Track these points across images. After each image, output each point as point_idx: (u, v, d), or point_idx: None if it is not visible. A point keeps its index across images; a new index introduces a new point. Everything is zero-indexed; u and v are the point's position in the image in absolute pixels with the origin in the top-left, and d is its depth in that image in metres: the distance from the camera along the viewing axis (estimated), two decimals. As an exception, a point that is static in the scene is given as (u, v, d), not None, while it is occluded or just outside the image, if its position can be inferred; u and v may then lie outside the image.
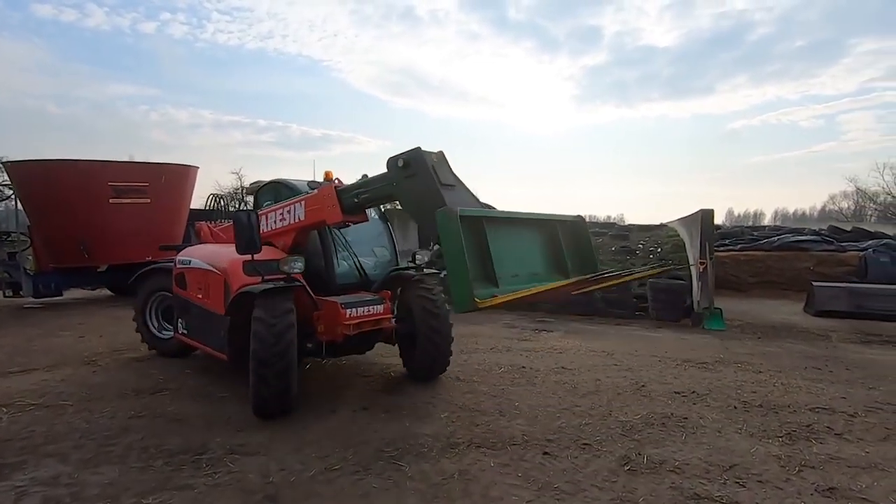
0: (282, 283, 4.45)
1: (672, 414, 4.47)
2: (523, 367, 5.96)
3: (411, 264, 5.41)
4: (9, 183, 10.75)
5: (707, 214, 9.32)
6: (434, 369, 5.29)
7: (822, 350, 7.19)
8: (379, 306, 4.92)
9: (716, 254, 9.94)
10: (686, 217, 12.73)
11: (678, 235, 13.73)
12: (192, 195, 12.19)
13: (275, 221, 5.11)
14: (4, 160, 12.46)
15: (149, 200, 10.63)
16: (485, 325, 8.84)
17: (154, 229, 10.65)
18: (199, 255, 5.34)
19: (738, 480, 3.29)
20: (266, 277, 4.49)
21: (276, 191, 5.48)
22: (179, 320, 5.55)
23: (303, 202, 4.87)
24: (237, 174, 29.74)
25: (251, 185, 7.10)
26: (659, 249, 13.06)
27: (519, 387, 5.21)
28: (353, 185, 4.70)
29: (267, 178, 6.02)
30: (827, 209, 47.86)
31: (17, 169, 10.52)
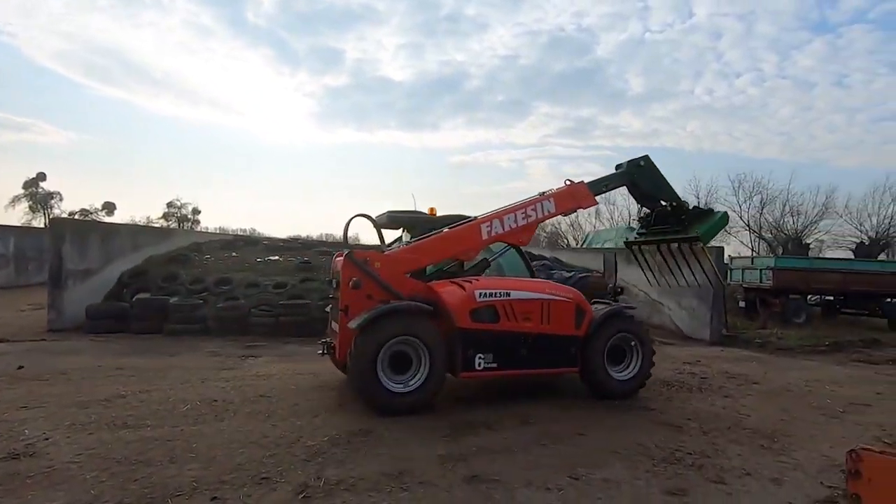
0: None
1: (360, 429, 4.62)
2: (215, 400, 5.37)
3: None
4: None
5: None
6: None
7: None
8: None
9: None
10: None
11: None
12: None
13: (514, 221, 5.99)
14: None
15: None
16: (184, 356, 7.82)
17: None
18: (523, 287, 5.72)
19: (402, 486, 3.56)
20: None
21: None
22: (479, 356, 5.43)
23: (552, 198, 6.23)
24: None
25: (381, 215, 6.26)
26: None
27: (203, 424, 4.65)
28: (596, 180, 6.62)
29: None
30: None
31: None
